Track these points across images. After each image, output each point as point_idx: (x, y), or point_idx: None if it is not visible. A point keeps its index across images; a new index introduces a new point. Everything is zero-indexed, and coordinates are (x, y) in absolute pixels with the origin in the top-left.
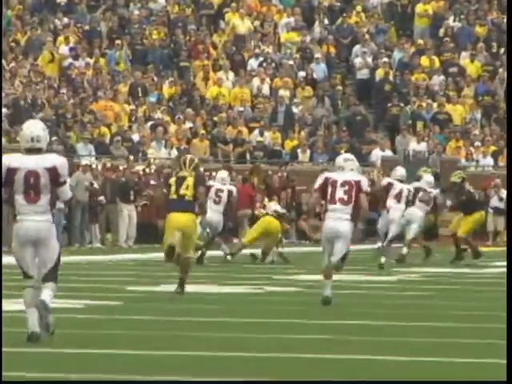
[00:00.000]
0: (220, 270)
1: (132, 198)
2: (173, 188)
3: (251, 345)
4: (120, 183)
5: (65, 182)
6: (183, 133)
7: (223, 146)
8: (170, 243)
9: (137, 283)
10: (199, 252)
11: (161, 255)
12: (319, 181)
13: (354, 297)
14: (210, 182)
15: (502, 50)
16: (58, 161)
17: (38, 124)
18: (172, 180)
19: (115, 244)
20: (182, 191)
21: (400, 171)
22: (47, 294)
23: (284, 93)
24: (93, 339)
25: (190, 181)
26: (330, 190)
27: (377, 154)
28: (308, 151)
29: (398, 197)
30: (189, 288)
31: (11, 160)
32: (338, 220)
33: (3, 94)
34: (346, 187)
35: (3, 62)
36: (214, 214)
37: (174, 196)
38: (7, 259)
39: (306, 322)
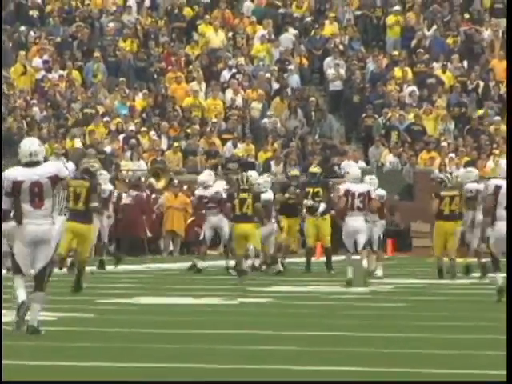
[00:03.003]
0: (195, 281)
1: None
2: (237, 207)
3: (222, 356)
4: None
5: (66, 177)
6: (156, 145)
7: (196, 159)
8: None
9: (109, 295)
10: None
11: (134, 267)
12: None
13: (326, 308)
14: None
15: (475, 61)
16: (55, 168)
17: (34, 141)
18: (236, 201)
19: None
20: (244, 210)
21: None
22: (35, 318)
23: (257, 105)
24: (65, 352)
25: (249, 202)
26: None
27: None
28: (281, 163)
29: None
30: (163, 300)
31: (16, 174)
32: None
33: None
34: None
35: None
36: None
37: (239, 213)
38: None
39: (277, 333)
